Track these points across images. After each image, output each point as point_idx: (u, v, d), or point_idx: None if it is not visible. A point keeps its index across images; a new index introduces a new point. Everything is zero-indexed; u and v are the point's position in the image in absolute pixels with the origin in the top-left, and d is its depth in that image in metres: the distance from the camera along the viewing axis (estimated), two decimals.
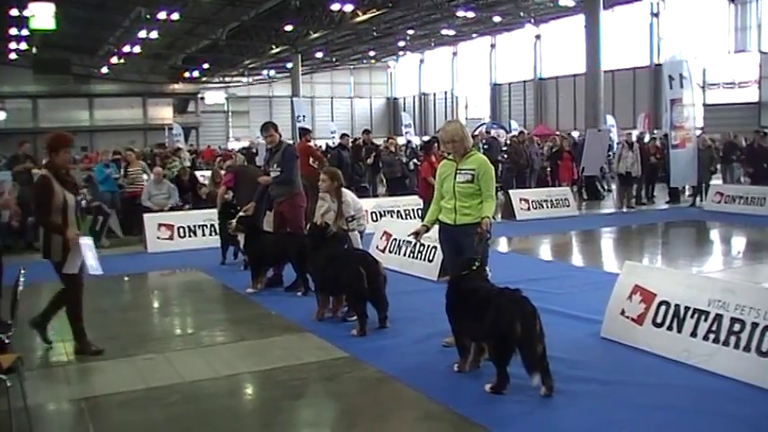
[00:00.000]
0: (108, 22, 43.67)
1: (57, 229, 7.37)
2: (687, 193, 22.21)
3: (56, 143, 7.52)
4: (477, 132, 27.19)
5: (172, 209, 15.66)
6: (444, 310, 6.76)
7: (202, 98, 66.08)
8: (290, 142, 13.16)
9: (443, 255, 7.92)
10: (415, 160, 21.82)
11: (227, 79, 65.57)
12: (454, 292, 6.71)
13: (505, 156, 22.82)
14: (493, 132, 29.04)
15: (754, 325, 6.37)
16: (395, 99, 72.50)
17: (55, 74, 54.25)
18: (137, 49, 46.32)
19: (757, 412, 5.72)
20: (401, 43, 55.27)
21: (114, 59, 52.81)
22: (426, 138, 24.38)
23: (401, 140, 31.36)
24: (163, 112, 61.21)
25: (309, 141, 17.87)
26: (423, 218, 15.23)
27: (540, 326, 6.06)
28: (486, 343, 6.39)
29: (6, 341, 6.02)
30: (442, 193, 7.39)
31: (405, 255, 11.74)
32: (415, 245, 11.38)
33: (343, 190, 9.49)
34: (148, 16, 37.28)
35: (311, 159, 16.73)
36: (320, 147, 25.37)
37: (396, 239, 12.10)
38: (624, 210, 20.28)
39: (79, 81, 57.83)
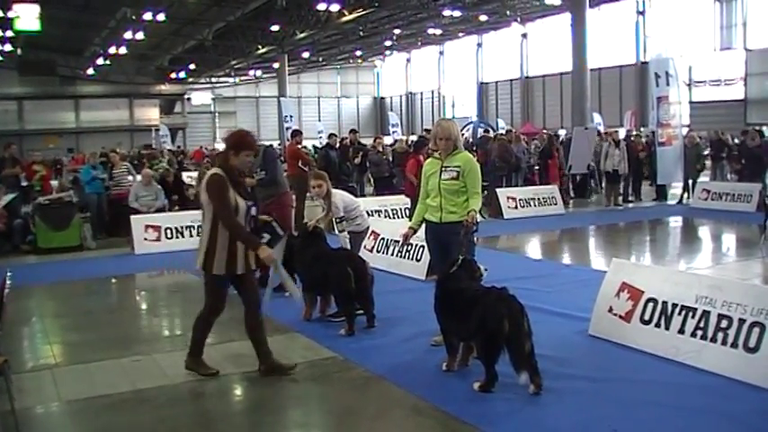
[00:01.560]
0: (93, 24, 43.52)
1: (248, 240, 6.47)
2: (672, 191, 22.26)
3: (239, 143, 6.61)
4: (464, 130, 27.15)
5: (159, 210, 15.61)
6: (432, 309, 6.75)
7: (189, 99, 65.93)
8: (270, 143, 13.13)
9: (430, 254, 7.86)
10: None
11: (213, 80, 65.44)
12: (442, 291, 6.70)
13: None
14: (481, 132, 29.02)
15: (741, 321, 6.40)
16: (382, 98, 72.54)
17: (40, 75, 54.04)
18: (122, 51, 46.13)
19: (745, 408, 5.73)
20: (388, 43, 55.29)
21: (100, 61, 52.64)
22: (414, 137, 24.32)
23: (388, 140, 31.34)
24: (149, 113, 61.03)
25: (300, 143, 17.85)
26: (410, 217, 15.30)
27: (528, 324, 6.07)
28: (474, 341, 6.40)
29: None
30: (427, 191, 7.36)
31: (392, 254, 11.75)
32: (402, 244, 11.39)
33: (333, 191, 9.48)
34: (134, 17, 37.14)
35: (300, 162, 16.75)
36: (308, 150, 25.26)
37: (383, 239, 12.10)
38: (611, 207, 20.32)
39: (65, 82, 57.64)
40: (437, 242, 7.33)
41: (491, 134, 24.86)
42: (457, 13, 42.10)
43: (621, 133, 22.22)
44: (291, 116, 36.47)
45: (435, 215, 7.24)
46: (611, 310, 7.57)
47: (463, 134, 21.87)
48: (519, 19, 48.16)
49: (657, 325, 7.10)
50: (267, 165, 10.56)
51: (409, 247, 11.21)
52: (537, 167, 22.43)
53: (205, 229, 6.61)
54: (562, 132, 31.78)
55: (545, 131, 27.26)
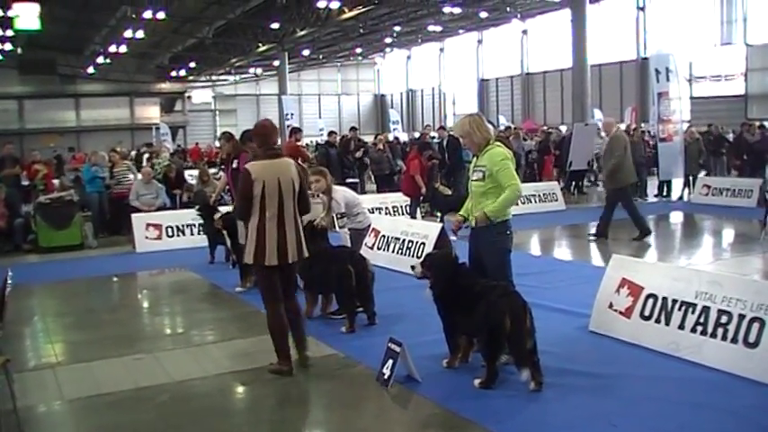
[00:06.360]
0: (93, 22, 43.43)
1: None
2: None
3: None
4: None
5: (160, 209, 15.64)
6: (432, 306, 6.73)
7: (189, 97, 65.84)
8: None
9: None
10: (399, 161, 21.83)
11: (213, 78, 65.31)
12: (447, 286, 6.61)
13: None
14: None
15: (741, 317, 6.42)
16: (382, 96, 72.40)
17: (40, 74, 53.89)
18: (123, 49, 46.05)
19: (745, 403, 5.75)
20: (388, 40, 55.16)
21: (100, 59, 52.56)
22: (416, 134, 24.34)
23: (389, 137, 31.38)
24: (150, 112, 60.94)
25: (299, 141, 17.87)
26: (411, 215, 15.40)
27: (531, 321, 6.07)
28: (478, 337, 6.39)
29: None
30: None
31: (393, 251, 11.76)
32: (403, 241, 11.41)
33: (334, 187, 9.50)
34: (134, 15, 37.07)
35: (300, 159, 16.78)
36: (307, 145, 25.28)
37: (384, 236, 12.11)
38: None
39: (65, 81, 57.49)
40: (472, 246, 7.08)
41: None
42: (457, 10, 41.99)
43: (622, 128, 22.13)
44: (292, 114, 36.45)
45: (471, 219, 6.99)
46: (611, 305, 7.59)
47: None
48: (519, 15, 48.06)
49: (658, 321, 7.12)
50: None
51: (410, 245, 11.24)
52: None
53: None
54: (563, 128, 31.68)
55: (545, 128, 27.15)
